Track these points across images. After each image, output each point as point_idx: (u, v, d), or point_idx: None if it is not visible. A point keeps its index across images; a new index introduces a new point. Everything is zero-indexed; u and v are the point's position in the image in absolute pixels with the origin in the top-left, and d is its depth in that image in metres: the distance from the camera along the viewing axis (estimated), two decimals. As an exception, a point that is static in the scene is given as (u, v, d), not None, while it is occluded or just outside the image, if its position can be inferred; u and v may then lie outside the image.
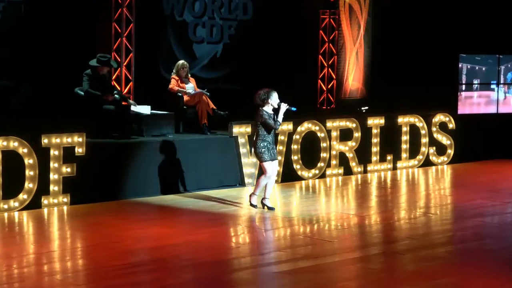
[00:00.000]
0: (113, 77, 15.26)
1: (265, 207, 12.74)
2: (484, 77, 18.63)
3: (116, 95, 14.11)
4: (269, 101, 12.48)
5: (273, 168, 12.72)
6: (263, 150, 12.52)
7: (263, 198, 12.75)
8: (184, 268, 9.72)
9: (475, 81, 18.61)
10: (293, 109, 12.69)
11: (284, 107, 12.51)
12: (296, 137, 15.38)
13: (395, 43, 19.21)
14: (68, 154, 12.80)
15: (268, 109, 12.51)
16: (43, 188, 12.61)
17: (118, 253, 10.14)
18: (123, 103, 14.28)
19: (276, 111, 12.57)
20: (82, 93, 13.97)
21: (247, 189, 14.36)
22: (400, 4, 19.35)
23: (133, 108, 14.25)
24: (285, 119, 15.20)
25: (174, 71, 15.30)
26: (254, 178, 14.79)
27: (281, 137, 15.16)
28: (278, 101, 12.52)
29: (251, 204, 12.83)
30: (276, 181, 15.02)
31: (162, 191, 13.84)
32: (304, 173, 15.56)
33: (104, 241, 10.78)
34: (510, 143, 18.64)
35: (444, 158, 17.78)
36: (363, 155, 16.43)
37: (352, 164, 16.27)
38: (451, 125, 17.81)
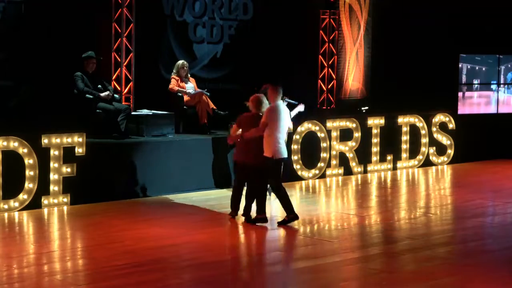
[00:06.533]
0: (113, 77, 15.26)
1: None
2: (484, 77, 18.63)
3: (110, 92, 14.17)
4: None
5: None
6: None
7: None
8: (184, 268, 9.72)
9: (475, 81, 18.61)
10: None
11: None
12: (296, 137, 15.38)
13: (395, 43, 19.20)
14: (68, 154, 12.80)
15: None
16: (43, 188, 12.61)
17: (118, 253, 10.14)
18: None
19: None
20: (82, 93, 14.00)
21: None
22: (400, 4, 19.33)
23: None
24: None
25: (174, 71, 15.31)
26: (254, 178, 14.79)
27: (281, 137, 15.16)
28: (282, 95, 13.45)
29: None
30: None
31: (162, 191, 13.84)
32: (304, 173, 15.56)
33: (104, 241, 10.78)
34: (510, 143, 18.64)
35: (444, 158, 17.78)
36: (363, 155, 16.44)
37: (352, 164, 16.27)
38: (451, 125, 17.82)
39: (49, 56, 14.55)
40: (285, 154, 11.72)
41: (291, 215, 11.66)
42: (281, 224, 11.64)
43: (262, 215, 11.68)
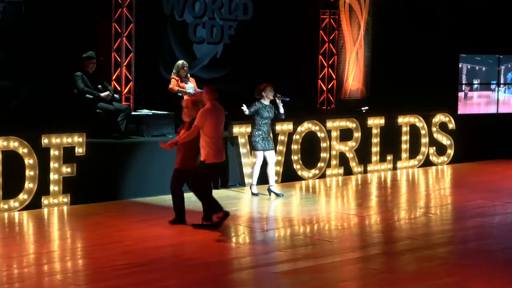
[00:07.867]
0: (113, 77, 15.26)
1: (272, 193, 13.79)
2: (484, 77, 18.63)
3: (110, 92, 14.19)
4: (264, 94, 13.69)
5: (268, 157, 13.75)
6: (257, 139, 13.63)
7: (270, 186, 13.82)
8: (184, 268, 9.72)
9: (475, 81, 18.61)
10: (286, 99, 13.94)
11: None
12: (296, 137, 15.38)
13: (395, 43, 19.20)
14: (68, 154, 12.80)
15: (264, 101, 13.69)
16: (43, 188, 12.61)
17: (118, 253, 10.13)
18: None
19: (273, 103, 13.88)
20: (82, 93, 14.01)
21: (247, 189, 14.36)
22: (400, 4, 19.34)
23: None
24: (285, 119, 15.30)
25: (174, 71, 15.30)
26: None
27: (281, 137, 15.16)
28: (273, 93, 13.79)
29: (253, 194, 13.84)
30: (276, 181, 14.99)
31: (162, 191, 13.83)
32: (304, 173, 15.55)
33: (104, 241, 10.78)
34: (510, 143, 18.64)
35: (444, 158, 17.78)
36: (363, 155, 16.43)
37: (352, 164, 16.27)
38: (451, 125, 17.81)
39: (49, 56, 14.56)
40: (218, 159, 11.48)
41: (208, 222, 11.45)
42: (196, 227, 11.42)
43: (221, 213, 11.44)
